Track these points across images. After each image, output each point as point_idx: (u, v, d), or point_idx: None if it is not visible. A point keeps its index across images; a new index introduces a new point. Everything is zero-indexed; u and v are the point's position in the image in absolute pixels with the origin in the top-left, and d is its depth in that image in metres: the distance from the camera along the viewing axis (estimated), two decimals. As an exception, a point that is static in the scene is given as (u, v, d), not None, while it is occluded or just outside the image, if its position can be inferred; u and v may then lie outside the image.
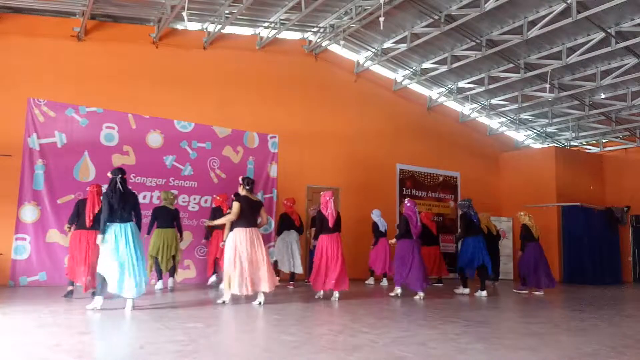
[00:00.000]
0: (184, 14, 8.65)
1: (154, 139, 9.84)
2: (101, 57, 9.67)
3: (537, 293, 9.67)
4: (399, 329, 5.18)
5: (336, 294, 7.63)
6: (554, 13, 9.42)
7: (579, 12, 9.00)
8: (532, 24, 10.01)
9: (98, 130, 9.34)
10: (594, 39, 10.10)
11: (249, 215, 6.76)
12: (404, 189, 13.44)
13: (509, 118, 15.11)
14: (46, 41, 9.25)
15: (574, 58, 10.64)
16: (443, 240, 13.67)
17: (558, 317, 6.89)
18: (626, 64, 10.92)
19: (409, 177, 13.57)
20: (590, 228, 13.55)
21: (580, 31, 10.23)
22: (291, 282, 9.59)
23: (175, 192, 9.22)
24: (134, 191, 6.23)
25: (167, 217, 8.51)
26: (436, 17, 10.28)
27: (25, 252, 8.50)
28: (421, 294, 8.16)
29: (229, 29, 10.89)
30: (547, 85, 12.11)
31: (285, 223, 9.58)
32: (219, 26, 10.41)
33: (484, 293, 8.82)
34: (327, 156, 12.00)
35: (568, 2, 9.02)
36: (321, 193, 8.11)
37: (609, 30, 9.71)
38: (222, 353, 3.91)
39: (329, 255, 7.64)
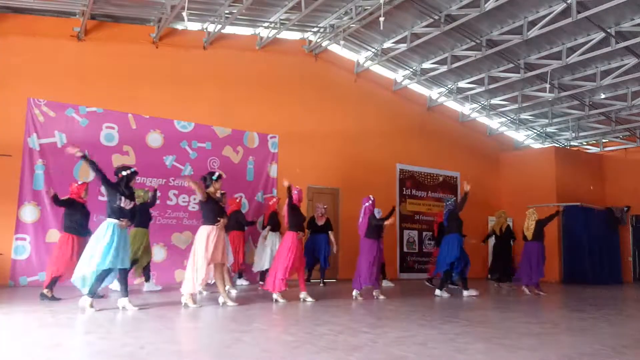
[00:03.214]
0: (184, 14, 8.66)
1: (154, 139, 9.85)
2: (101, 57, 9.67)
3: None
4: (399, 329, 5.17)
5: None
6: (554, 13, 9.43)
7: (579, 12, 9.01)
8: (532, 24, 10.01)
9: (98, 130, 9.36)
10: (594, 39, 10.11)
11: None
12: (404, 189, 13.44)
13: (509, 118, 15.11)
14: (46, 41, 9.24)
15: (574, 58, 10.64)
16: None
17: (558, 317, 6.88)
18: (626, 64, 10.92)
19: (409, 177, 13.57)
20: (590, 228, 13.54)
21: (580, 31, 10.23)
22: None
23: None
24: None
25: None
26: (436, 17, 10.28)
27: (25, 252, 8.52)
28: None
29: (229, 29, 10.88)
30: (547, 85, 12.11)
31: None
32: (219, 26, 10.40)
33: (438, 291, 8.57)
34: (327, 156, 11.99)
35: (568, 2, 9.02)
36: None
37: (609, 30, 9.71)
38: (222, 353, 3.91)
39: None
